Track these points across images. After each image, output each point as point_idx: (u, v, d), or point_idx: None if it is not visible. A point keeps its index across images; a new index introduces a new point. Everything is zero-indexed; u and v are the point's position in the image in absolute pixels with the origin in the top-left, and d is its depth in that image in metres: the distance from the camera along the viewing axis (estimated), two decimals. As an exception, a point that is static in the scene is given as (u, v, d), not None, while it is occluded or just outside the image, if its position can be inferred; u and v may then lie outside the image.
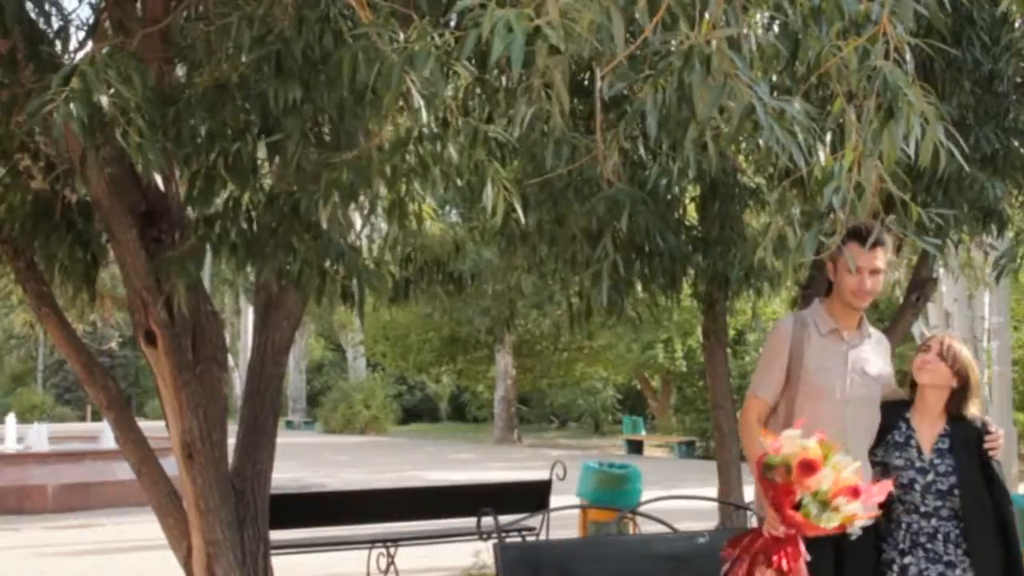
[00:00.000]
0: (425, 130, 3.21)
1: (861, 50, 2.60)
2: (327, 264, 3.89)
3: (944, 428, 3.82)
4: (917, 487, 3.81)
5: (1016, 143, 5.59)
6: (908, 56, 2.70)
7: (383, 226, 4.47)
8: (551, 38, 2.25)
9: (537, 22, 2.26)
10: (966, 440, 3.80)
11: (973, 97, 5.38)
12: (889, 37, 2.60)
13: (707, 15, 2.43)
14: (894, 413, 3.88)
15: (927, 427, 3.84)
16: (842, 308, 3.86)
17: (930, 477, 3.80)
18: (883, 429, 3.88)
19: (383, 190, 3.54)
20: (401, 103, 2.90)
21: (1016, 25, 5.28)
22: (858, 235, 3.65)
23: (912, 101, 2.61)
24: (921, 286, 6.67)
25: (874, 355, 3.93)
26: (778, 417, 3.84)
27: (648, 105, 2.49)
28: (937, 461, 3.80)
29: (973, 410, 3.83)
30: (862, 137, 2.70)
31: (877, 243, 3.67)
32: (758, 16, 2.82)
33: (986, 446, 3.79)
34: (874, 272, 3.76)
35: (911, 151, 2.70)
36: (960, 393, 3.81)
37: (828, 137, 2.80)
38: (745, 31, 2.56)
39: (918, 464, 3.82)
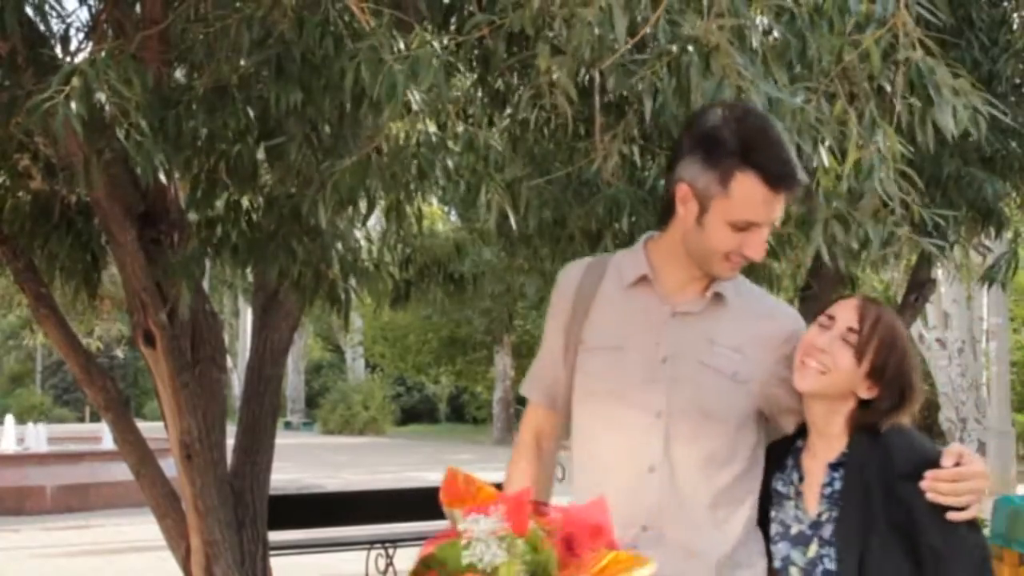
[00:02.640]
0: (424, 138, 3.22)
1: (883, 45, 2.60)
2: (323, 267, 3.90)
3: (841, 453, 2.14)
4: (793, 572, 2.15)
5: (1015, 144, 5.60)
6: (920, 50, 2.70)
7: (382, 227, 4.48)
8: (553, 38, 2.26)
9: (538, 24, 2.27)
10: (881, 468, 2.08)
11: (972, 98, 5.39)
12: (907, 31, 2.61)
13: (715, 10, 2.43)
14: (782, 446, 2.26)
15: (818, 461, 2.18)
16: (682, 265, 2.19)
17: (814, 551, 2.13)
18: (767, 474, 2.25)
19: (382, 193, 3.54)
20: (403, 109, 2.91)
21: (1015, 26, 5.29)
22: (760, 162, 2.04)
23: (949, 82, 2.62)
24: (920, 287, 6.68)
25: (738, 334, 2.19)
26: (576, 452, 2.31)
27: (644, 89, 2.51)
28: (827, 516, 2.14)
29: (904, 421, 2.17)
30: (864, 141, 2.70)
31: (792, 181, 2.09)
32: (761, 15, 2.82)
33: (925, 486, 2.02)
34: (766, 227, 2.12)
35: (954, 128, 2.70)
36: (880, 407, 2.13)
37: (827, 141, 2.80)
38: (750, 24, 2.57)
39: (795, 529, 2.16)
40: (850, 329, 2.13)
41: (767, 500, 2.22)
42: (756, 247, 2.10)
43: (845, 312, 2.15)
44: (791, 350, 2.18)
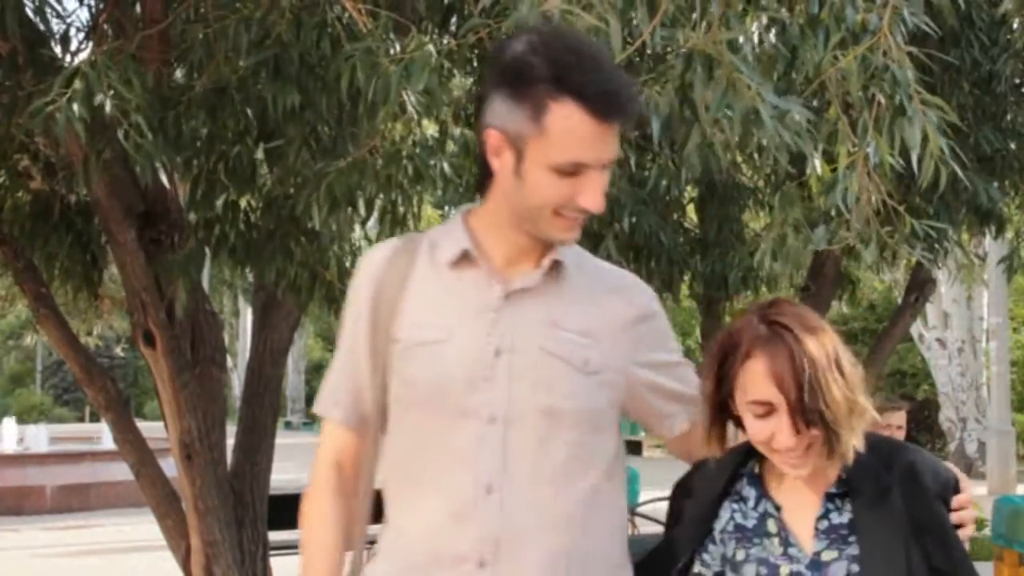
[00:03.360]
0: (420, 139, 3.23)
1: (860, 59, 2.60)
2: (320, 268, 3.90)
3: (839, 480, 1.78)
4: None
5: (1014, 145, 5.60)
6: (907, 63, 2.70)
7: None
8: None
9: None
10: (909, 494, 1.74)
11: (971, 98, 5.39)
12: (888, 47, 2.61)
13: (707, 20, 2.44)
14: (726, 465, 1.84)
15: (802, 489, 1.80)
16: (510, 234, 1.78)
17: None
18: (700, 500, 1.85)
19: (379, 195, 3.55)
20: (398, 111, 2.91)
21: (1015, 26, 5.29)
22: (579, 86, 1.63)
23: (925, 98, 2.61)
24: (920, 287, 6.67)
25: (585, 315, 1.79)
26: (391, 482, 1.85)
27: (652, 109, 2.50)
28: (834, 556, 1.75)
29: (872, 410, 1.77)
30: (858, 146, 2.71)
31: (621, 107, 1.67)
32: (755, 25, 2.82)
33: (955, 517, 1.77)
34: (604, 168, 1.71)
35: (915, 154, 2.70)
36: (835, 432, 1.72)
37: (821, 147, 2.80)
38: (742, 39, 2.57)
39: (786, 570, 1.76)
40: (796, 400, 1.68)
41: (702, 538, 1.82)
42: (593, 195, 1.68)
43: (756, 383, 1.71)
44: (648, 331, 1.84)
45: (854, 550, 1.73)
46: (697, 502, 1.84)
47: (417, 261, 1.79)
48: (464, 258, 1.78)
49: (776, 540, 1.78)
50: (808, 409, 1.67)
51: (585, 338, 1.76)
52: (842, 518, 1.76)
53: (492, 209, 1.79)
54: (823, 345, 1.71)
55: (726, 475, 1.83)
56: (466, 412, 1.71)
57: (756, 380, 1.70)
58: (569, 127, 1.63)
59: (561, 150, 1.65)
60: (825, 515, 1.77)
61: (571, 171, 1.66)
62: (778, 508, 1.80)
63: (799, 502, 1.79)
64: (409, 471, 1.78)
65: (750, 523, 1.81)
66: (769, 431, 1.70)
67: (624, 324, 1.81)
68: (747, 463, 1.84)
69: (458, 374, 1.72)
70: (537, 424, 1.72)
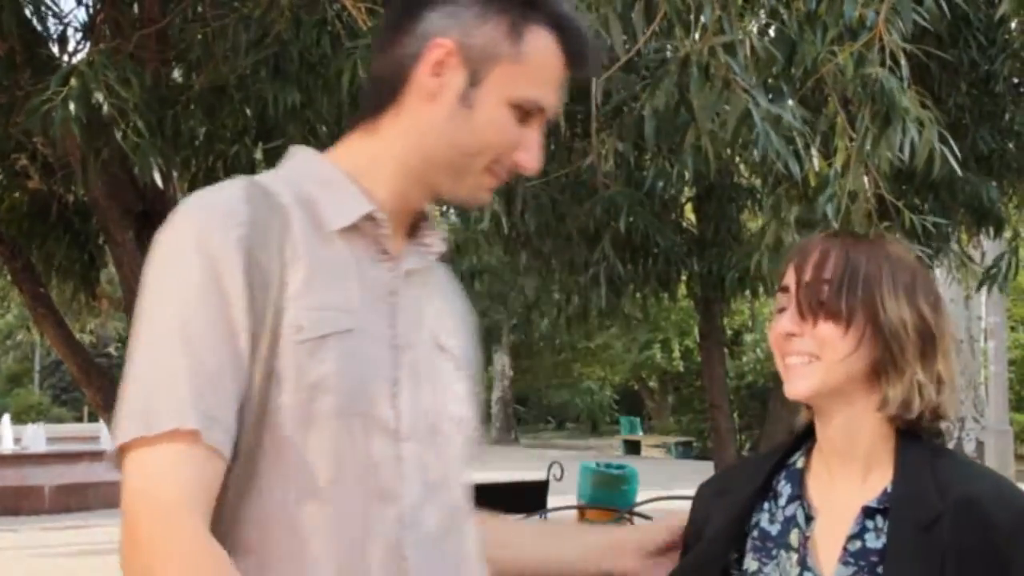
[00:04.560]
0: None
1: (856, 56, 2.61)
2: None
3: (884, 493, 1.44)
4: None
5: (1012, 144, 5.61)
6: (903, 61, 2.71)
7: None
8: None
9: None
10: (970, 527, 1.38)
11: (969, 98, 5.40)
12: (884, 43, 2.62)
13: (703, 19, 2.44)
14: (770, 457, 1.58)
15: (841, 498, 1.48)
16: (414, 184, 1.38)
17: None
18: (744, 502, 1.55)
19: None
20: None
21: (1012, 26, 5.29)
22: (561, 20, 1.38)
23: (907, 108, 2.62)
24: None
25: (451, 303, 1.51)
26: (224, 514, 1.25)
27: (647, 112, 2.50)
28: None
29: (947, 407, 1.47)
30: (855, 142, 2.71)
31: (590, 61, 1.44)
32: (753, 23, 2.83)
33: None
34: (544, 126, 1.42)
35: (907, 156, 2.71)
36: (891, 363, 1.43)
37: (818, 140, 2.81)
38: (740, 37, 2.57)
39: None
40: (806, 283, 1.44)
41: (735, 538, 1.53)
42: (535, 152, 1.39)
43: (790, 271, 1.48)
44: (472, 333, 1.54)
45: None
46: (733, 500, 1.55)
47: (292, 222, 1.30)
48: (362, 223, 1.34)
49: (795, 557, 1.46)
50: (817, 292, 1.43)
51: (459, 332, 1.48)
52: (878, 542, 1.42)
53: (390, 150, 1.36)
54: (892, 262, 1.46)
55: (768, 468, 1.55)
56: (375, 427, 1.30)
57: (786, 267, 1.51)
58: (544, 58, 1.36)
59: (531, 84, 1.35)
60: (859, 535, 1.43)
61: (526, 114, 1.36)
62: (809, 519, 1.48)
63: (835, 512, 1.47)
64: (302, 520, 1.25)
65: (774, 529, 1.50)
66: (779, 320, 1.48)
67: (468, 324, 1.53)
68: (792, 455, 1.55)
69: (370, 376, 1.31)
70: (440, 440, 1.38)
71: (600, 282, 5.08)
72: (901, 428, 1.45)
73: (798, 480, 1.51)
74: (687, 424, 24.46)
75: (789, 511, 1.50)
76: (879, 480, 1.45)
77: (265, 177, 1.36)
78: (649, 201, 5.24)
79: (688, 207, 6.46)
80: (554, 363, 28.95)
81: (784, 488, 1.52)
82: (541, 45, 1.35)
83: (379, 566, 1.28)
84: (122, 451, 1.21)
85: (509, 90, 1.34)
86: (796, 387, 1.46)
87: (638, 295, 5.94)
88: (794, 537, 1.48)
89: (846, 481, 1.47)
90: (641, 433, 26.01)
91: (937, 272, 6.88)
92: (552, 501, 7.63)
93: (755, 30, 2.87)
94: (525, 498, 7.90)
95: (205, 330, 1.23)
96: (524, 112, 1.36)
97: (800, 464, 1.53)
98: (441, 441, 1.38)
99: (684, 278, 6.18)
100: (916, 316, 1.43)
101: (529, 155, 1.37)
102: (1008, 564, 1.36)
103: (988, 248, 12.52)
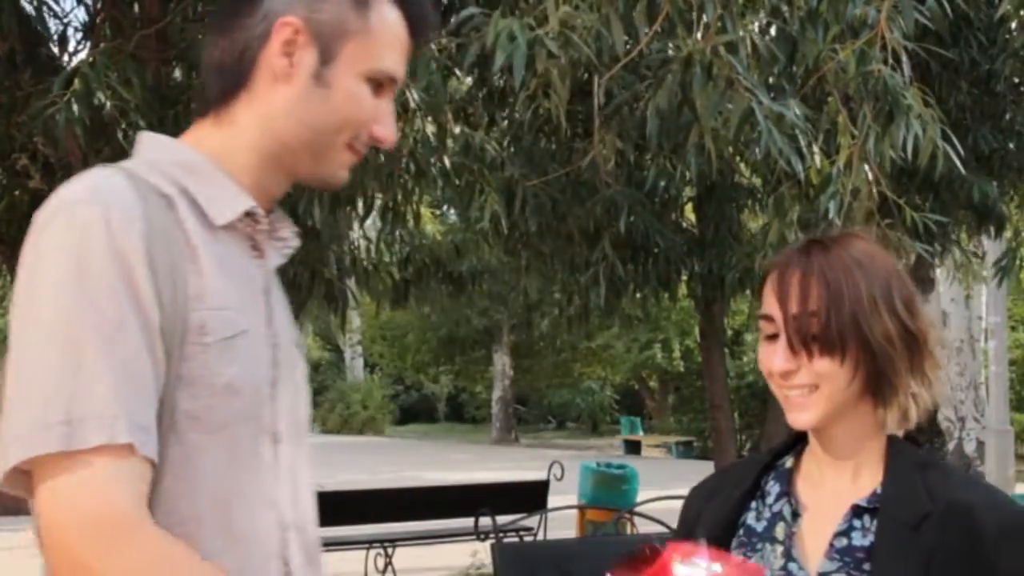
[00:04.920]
0: (421, 137, 3.23)
1: (858, 53, 2.61)
2: (319, 266, 3.91)
3: (873, 493, 1.46)
4: None
5: (1012, 144, 5.61)
6: (905, 59, 2.71)
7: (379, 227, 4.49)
8: (550, 46, 2.26)
9: (538, 32, 2.27)
10: (959, 531, 1.39)
11: (970, 97, 5.40)
12: (886, 41, 2.62)
13: (705, 18, 2.44)
14: (760, 460, 1.60)
15: (829, 496, 1.50)
16: (272, 172, 1.34)
17: None
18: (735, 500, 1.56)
19: (379, 193, 3.55)
20: (399, 109, 2.91)
21: (1013, 26, 5.29)
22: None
23: (911, 104, 2.62)
24: (918, 286, 6.68)
25: (287, 309, 1.44)
26: None
27: (650, 111, 2.51)
28: None
29: (937, 401, 1.50)
30: (857, 140, 2.71)
31: (432, 30, 1.45)
32: (754, 21, 2.83)
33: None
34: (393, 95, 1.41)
35: (910, 154, 2.71)
36: (886, 382, 1.44)
37: (821, 137, 2.82)
38: (741, 34, 2.57)
39: None
40: (793, 317, 1.43)
41: (724, 539, 1.51)
42: (390, 124, 1.36)
43: (772, 302, 1.46)
44: None
45: None
46: (722, 502, 1.56)
47: (182, 216, 1.24)
48: (246, 218, 1.30)
49: (780, 549, 1.48)
50: (807, 326, 1.41)
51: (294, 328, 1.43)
52: (865, 540, 1.43)
53: (245, 140, 1.31)
54: (865, 271, 1.43)
55: (757, 469, 1.57)
56: (263, 430, 1.28)
57: (766, 294, 1.48)
58: (391, 29, 1.34)
59: (382, 55, 1.33)
60: (846, 532, 1.45)
61: (378, 86, 1.33)
62: (796, 514, 1.50)
63: (824, 510, 1.48)
64: (204, 532, 1.22)
65: (760, 525, 1.52)
66: (772, 355, 1.46)
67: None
68: (782, 458, 1.57)
69: (261, 377, 1.28)
70: (302, 442, 1.37)
71: (600, 282, 5.08)
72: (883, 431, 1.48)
73: (787, 479, 1.53)
74: (688, 424, 24.45)
75: (776, 507, 1.51)
76: (869, 481, 1.47)
77: (134, 166, 1.27)
78: (649, 201, 5.24)
79: (688, 207, 6.46)
80: (554, 363, 28.93)
81: (772, 487, 1.54)
82: (386, 15, 1.33)
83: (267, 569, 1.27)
84: (34, 464, 1.13)
85: (363, 64, 1.31)
86: (800, 419, 1.47)
87: (638, 295, 5.94)
88: (780, 530, 1.49)
89: (836, 481, 1.49)
90: (642, 433, 26.01)
91: (938, 271, 6.88)
92: (552, 501, 7.63)
93: (757, 29, 2.87)
94: (526, 498, 7.91)
95: (123, 332, 1.15)
96: (377, 84, 1.33)
97: (789, 465, 1.55)
98: (302, 443, 1.36)
99: (684, 278, 6.17)
100: (898, 325, 1.43)
101: (385, 128, 1.35)
102: (994, 570, 1.37)
103: (989, 248, 12.53)
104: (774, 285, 1.46)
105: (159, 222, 1.20)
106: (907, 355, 1.44)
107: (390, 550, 8.20)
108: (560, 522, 7.13)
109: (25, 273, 1.18)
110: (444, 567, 9.23)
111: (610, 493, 8.11)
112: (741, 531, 1.53)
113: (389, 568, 8.11)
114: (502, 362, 28.54)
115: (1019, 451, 18.22)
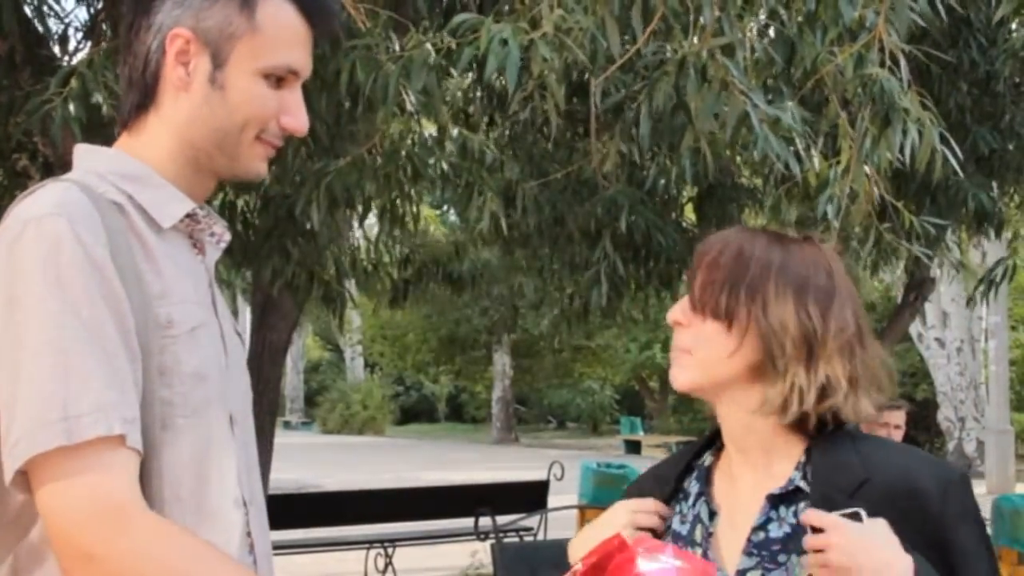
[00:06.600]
0: (419, 138, 3.23)
1: (856, 56, 2.61)
2: (318, 267, 3.90)
3: (788, 480, 1.44)
4: None
5: (1012, 145, 5.61)
6: (903, 62, 2.71)
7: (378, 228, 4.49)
8: (544, 52, 2.26)
9: (532, 35, 2.27)
10: (850, 492, 1.39)
11: (970, 98, 5.40)
12: (884, 44, 2.62)
13: (702, 20, 2.44)
14: (680, 459, 1.59)
15: (744, 490, 1.48)
16: (195, 173, 1.43)
17: None
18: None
19: (376, 194, 3.55)
20: (397, 110, 2.91)
21: (1012, 27, 5.29)
22: None
23: (908, 108, 2.62)
24: (919, 286, 6.69)
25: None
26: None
27: (643, 113, 2.51)
28: None
29: (864, 403, 1.44)
30: (855, 143, 2.71)
31: (330, 14, 1.52)
32: (752, 24, 2.83)
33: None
34: (299, 84, 1.48)
35: (907, 158, 2.71)
36: (771, 365, 1.42)
37: (820, 141, 2.81)
38: (739, 38, 2.57)
39: None
40: (701, 276, 1.47)
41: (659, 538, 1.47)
42: (300, 113, 1.44)
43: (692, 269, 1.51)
44: None
45: (780, 573, 1.39)
46: None
47: (133, 221, 1.34)
48: (187, 219, 1.41)
49: (698, 552, 1.45)
50: (708, 286, 1.45)
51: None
52: (780, 531, 1.41)
53: (163, 149, 1.40)
54: (786, 264, 1.45)
55: (677, 471, 1.56)
56: (221, 416, 1.38)
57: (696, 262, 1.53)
58: (283, 24, 1.40)
59: (275, 51, 1.40)
60: (763, 525, 1.43)
61: (279, 80, 1.41)
62: (713, 514, 1.48)
63: (740, 505, 1.46)
64: (184, 507, 1.32)
65: (684, 529, 1.50)
66: (672, 310, 1.53)
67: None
68: (702, 455, 1.56)
69: (219, 363, 1.39)
70: (249, 419, 1.47)
71: (601, 281, 5.08)
72: (815, 425, 1.45)
73: (704, 479, 1.53)
74: (688, 424, 24.46)
75: (696, 509, 1.51)
76: (783, 471, 1.45)
77: (83, 177, 1.37)
78: (650, 200, 5.24)
79: (688, 207, 6.46)
80: (554, 363, 28.93)
81: (693, 487, 1.53)
82: (275, 12, 1.40)
83: (238, 555, 1.36)
84: (35, 462, 1.19)
85: (255, 61, 1.39)
86: (674, 377, 1.49)
87: (639, 295, 5.95)
88: (698, 533, 1.48)
89: (749, 474, 1.48)
90: (642, 433, 26.01)
91: (938, 273, 6.89)
92: (553, 501, 7.63)
93: (754, 31, 2.86)
94: (526, 498, 7.91)
95: (104, 334, 1.24)
96: (277, 79, 1.41)
97: (708, 462, 1.54)
98: (249, 422, 1.47)
99: (685, 278, 6.17)
100: (800, 319, 1.42)
101: (294, 117, 1.43)
102: (943, 519, 1.38)
103: (989, 249, 12.53)
104: (698, 250, 1.51)
105: (116, 229, 1.30)
106: (803, 348, 1.41)
107: (390, 550, 8.20)
108: (560, 522, 7.13)
109: (2, 285, 1.25)
110: (444, 567, 9.23)
111: (610, 493, 8.09)
112: (669, 536, 1.51)
113: (389, 568, 8.11)
114: (502, 362, 28.55)
115: (1019, 451, 18.21)
